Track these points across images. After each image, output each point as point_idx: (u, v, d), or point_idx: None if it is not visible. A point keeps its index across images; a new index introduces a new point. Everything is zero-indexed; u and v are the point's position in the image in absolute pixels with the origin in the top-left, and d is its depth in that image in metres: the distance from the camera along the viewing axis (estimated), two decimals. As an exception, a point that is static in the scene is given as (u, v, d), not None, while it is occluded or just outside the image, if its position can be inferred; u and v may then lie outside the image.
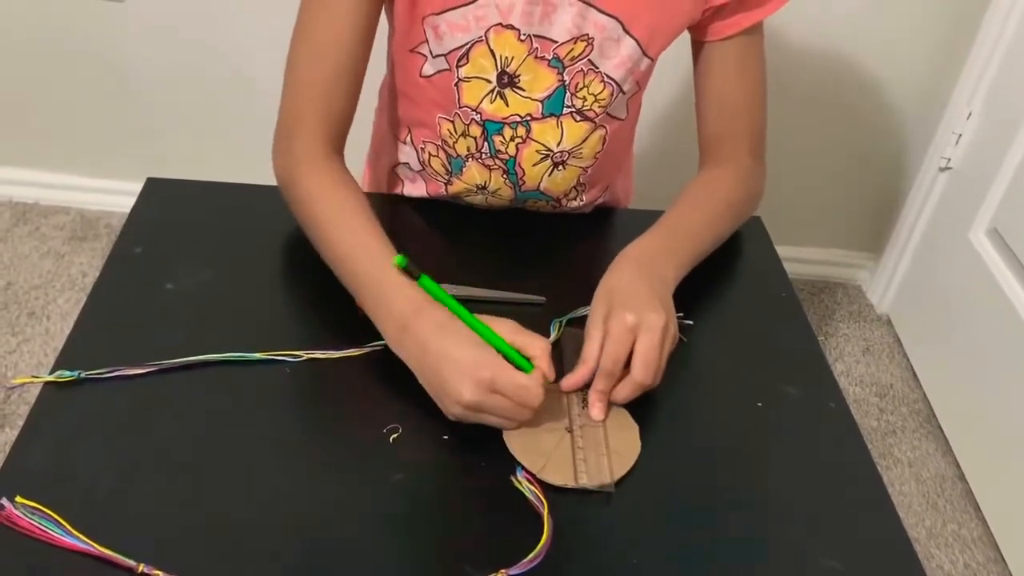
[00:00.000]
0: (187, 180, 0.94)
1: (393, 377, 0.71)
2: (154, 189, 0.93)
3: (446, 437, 0.69)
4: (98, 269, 1.52)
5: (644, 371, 0.71)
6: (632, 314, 0.72)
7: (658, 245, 0.82)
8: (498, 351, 0.68)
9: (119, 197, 1.84)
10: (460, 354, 0.67)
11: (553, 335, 0.79)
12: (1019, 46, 1.59)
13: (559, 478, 0.66)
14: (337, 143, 0.85)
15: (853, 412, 0.77)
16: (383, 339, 0.73)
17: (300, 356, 0.74)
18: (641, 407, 0.74)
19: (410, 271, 0.71)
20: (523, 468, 0.67)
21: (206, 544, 0.61)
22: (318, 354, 0.74)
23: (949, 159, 1.75)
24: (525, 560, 0.60)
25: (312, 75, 0.84)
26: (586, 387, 0.73)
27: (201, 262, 0.84)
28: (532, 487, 0.65)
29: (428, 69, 0.87)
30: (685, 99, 1.00)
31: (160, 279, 0.81)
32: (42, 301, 1.72)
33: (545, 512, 0.63)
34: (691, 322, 0.82)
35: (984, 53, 1.65)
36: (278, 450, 0.68)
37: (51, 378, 0.70)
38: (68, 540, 0.58)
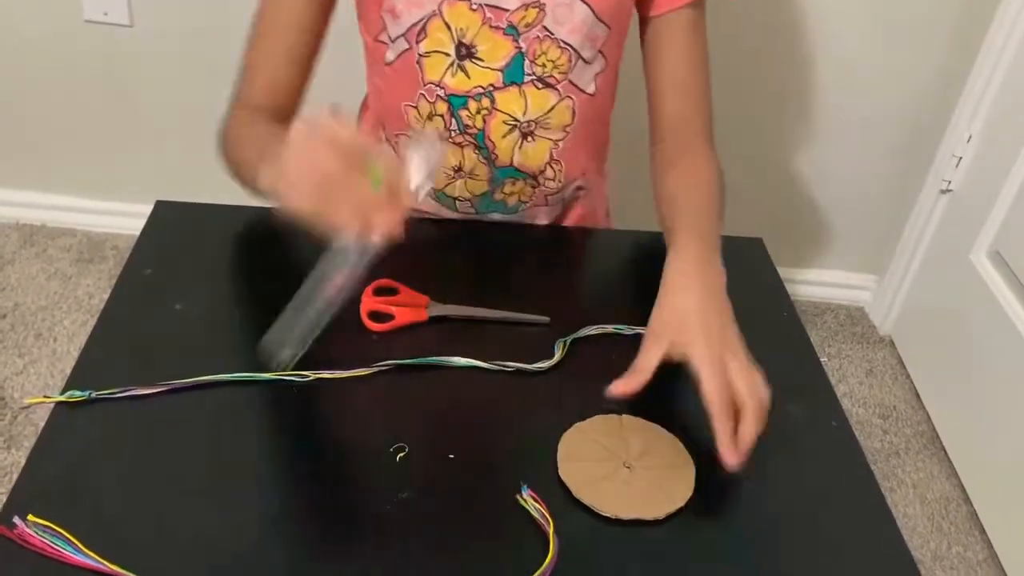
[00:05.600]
0: (196, 203, 0.95)
1: (400, 397, 0.72)
2: (163, 212, 0.94)
3: (452, 456, 0.70)
4: (105, 291, 1.54)
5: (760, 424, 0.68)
6: (747, 369, 0.69)
7: (698, 255, 0.79)
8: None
9: (125, 219, 1.86)
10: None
11: (557, 355, 0.80)
12: (1018, 69, 1.60)
13: (611, 509, 0.67)
14: (280, 118, 0.88)
15: (856, 433, 0.78)
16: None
17: (308, 376, 0.75)
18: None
19: None
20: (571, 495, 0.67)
21: (215, 561, 0.61)
22: (326, 374, 0.75)
23: (950, 182, 1.76)
24: (531, 578, 0.61)
25: (260, 53, 0.90)
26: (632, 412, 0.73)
27: (210, 283, 0.85)
28: (538, 506, 0.66)
29: (390, 55, 0.91)
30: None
31: (170, 300, 0.82)
32: (49, 323, 1.73)
33: (551, 531, 0.64)
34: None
35: (984, 76, 1.67)
36: (286, 469, 0.69)
37: (62, 398, 0.71)
38: (79, 558, 0.59)
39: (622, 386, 0.71)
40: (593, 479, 0.69)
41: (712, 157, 0.94)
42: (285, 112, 0.90)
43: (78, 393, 0.71)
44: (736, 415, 0.68)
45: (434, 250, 0.97)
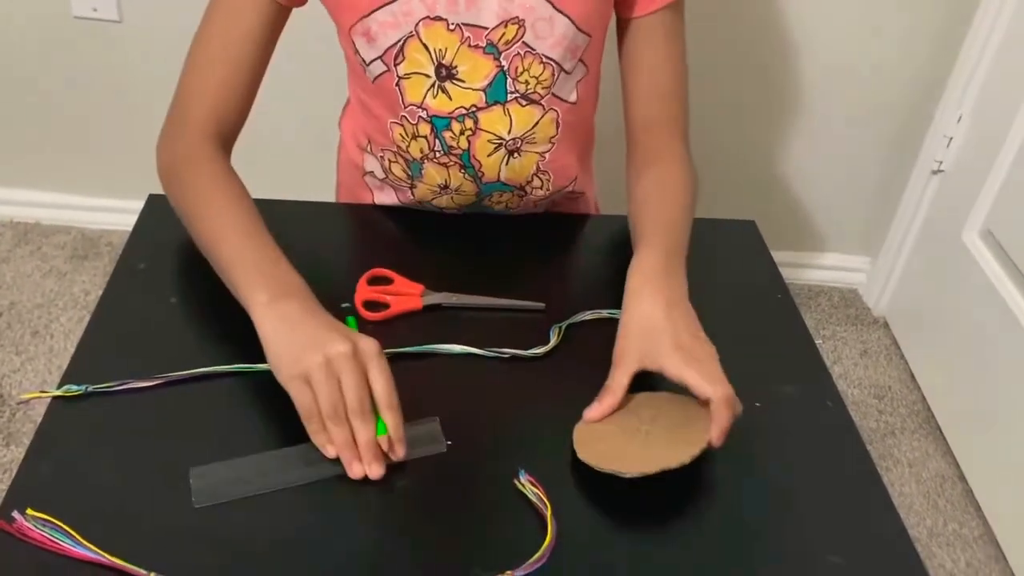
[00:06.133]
0: (189, 196, 0.95)
1: (396, 385, 0.72)
2: (156, 206, 0.94)
3: (450, 443, 0.70)
4: (100, 287, 1.53)
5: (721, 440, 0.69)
6: (723, 387, 0.70)
7: (662, 265, 0.79)
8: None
9: (120, 216, 1.86)
10: (336, 325, 0.70)
11: (553, 341, 0.80)
12: (1007, 49, 1.61)
13: (636, 469, 0.67)
14: (224, 142, 0.87)
15: (852, 413, 0.78)
16: (247, 305, 0.72)
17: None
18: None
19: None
20: (593, 469, 0.68)
21: (214, 551, 0.62)
22: (322, 364, 0.75)
23: (941, 162, 1.76)
24: (530, 561, 0.61)
25: (204, 77, 0.86)
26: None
27: (204, 276, 0.85)
28: (535, 490, 0.66)
29: (370, 75, 0.89)
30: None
31: (164, 293, 0.83)
32: (45, 320, 1.73)
33: (548, 514, 0.64)
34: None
35: (973, 56, 1.67)
36: (284, 458, 0.69)
37: (59, 393, 0.71)
38: (78, 550, 0.59)
39: (597, 410, 0.72)
40: (613, 453, 0.69)
41: (687, 162, 0.92)
42: (229, 134, 0.88)
43: (74, 387, 0.71)
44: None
45: (428, 239, 0.97)
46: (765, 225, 1.01)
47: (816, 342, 0.87)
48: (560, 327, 0.82)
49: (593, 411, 0.72)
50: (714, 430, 0.68)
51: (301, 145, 1.74)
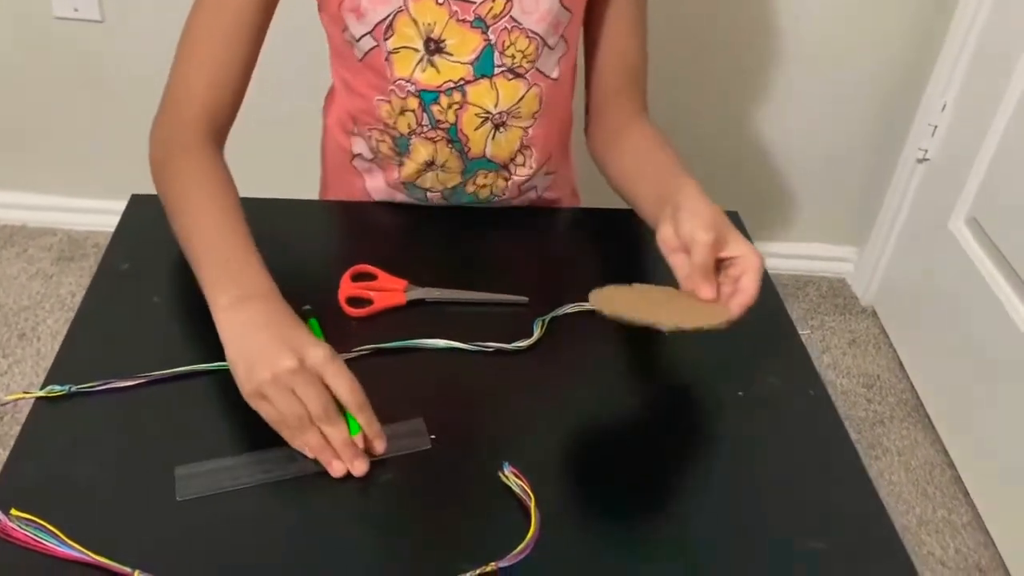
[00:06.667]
0: (171, 195, 0.95)
1: (378, 382, 0.72)
2: (139, 205, 0.94)
3: (433, 437, 0.71)
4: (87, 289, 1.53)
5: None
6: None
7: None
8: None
9: (105, 216, 1.84)
10: (289, 334, 0.68)
11: (536, 334, 0.81)
12: (990, 36, 1.61)
13: (671, 322, 0.68)
14: (216, 135, 0.87)
15: (841, 403, 0.79)
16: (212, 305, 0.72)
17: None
18: (623, 397, 0.75)
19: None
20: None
21: (198, 549, 0.62)
22: (305, 360, 0.75)
23: (926, 151, 1.77)
24: (514, 552, 0.62)
25: (194, 66, 0.86)
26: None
27: (187, 275, 0.85)
28: (519, 482, 0.66)
29: (358, 53, 0.90)
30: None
31: (147, 293, 0.82)
32: (32, 322, 1.73)
33: (532, 505, 0.65)
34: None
35: (956, 44, 1.67)
36: (269, 454, 0.69)
37: (42, 393, 0.71)
38: (63, 550, 0.59)
39: (708, 290, 0.71)
40: (643, 311, 0.69)
41: (659, 128, 0.94)
42: (221, 126, 0.87)
43: (58, 388, 0.71)
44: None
45: (411, 234, 0.97)
46: (752, 216, 1.02)
47: (804, 332, 0.88)
48: (543, 320, 0.82)
49: (705, 290, 0.71)
50: (752, 277, 0.70)
51: (276, 142, 1.73)
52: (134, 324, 0.80)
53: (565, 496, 0.68)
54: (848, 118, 1.86)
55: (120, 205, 0.94)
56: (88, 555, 0.59)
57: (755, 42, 1.76)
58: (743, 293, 0.71)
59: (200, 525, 0.63)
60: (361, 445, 0.67)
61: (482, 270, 0.89)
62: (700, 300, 0.72)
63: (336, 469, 0.67)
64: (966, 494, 1.57)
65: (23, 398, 0.72)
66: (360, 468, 0.67)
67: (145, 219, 0.93)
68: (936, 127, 1.74)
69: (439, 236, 0.96)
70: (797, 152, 1.90)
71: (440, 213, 0.99)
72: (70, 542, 0.60)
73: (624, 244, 0.96)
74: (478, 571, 0.60)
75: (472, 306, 0.84)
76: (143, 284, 0.84)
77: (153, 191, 0.95)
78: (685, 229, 0.72)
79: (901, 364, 1.84)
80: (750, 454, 0.74)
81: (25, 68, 1.79)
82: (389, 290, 0.84)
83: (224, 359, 0.70)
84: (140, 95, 1.85)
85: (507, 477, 0.67)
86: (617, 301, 0.71)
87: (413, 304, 0.83)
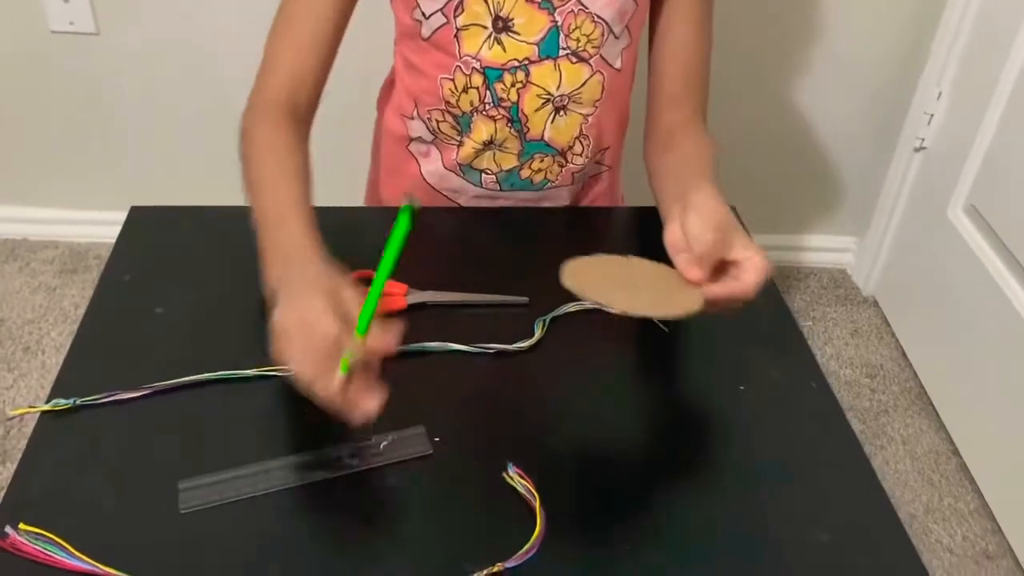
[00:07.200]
0: (170, 206, 0.96)
1: (383, 385, 0.72)
2: (139, 216, 0.95)
3: (437, 439, 0.71)
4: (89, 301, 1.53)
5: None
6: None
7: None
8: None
9: (107, 228, 1.84)
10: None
11: (537, 334, 0.81)
12: (984, 23, 1.61)
13: (620, 306, 0.66)
14: (295, 114, 0.88)
15: (844, 394, 0.79)
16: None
17: (292, 370, 0.75)
18: (625, 394, 0.75)
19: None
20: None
21: (203, 559, 0.62)
22: (308, 367, 0.75)
23: (923, 139, 1.77)
24: (520, 552, 0.62)
25: (284, 43, 0.89)
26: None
27: (189, 285, 0.86)
28: (524, 482, 0.67)
29: (426, 31, 0.92)
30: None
31: (149, 304, 0.83)
32: (36, 335, 1.74)
33: (537, 505, 0.65)
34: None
35: (950, 31, 1.67)
36: (274, 462, 0.69)
37: (47, 407, 0.71)
38: (72, 562, 0.60)
39: (697, 272, 0.69)
40: (602, 289, 0.67)
41: (710, 135, 0.96)
42: (302, 104, 0.89)
43: (63, 401, 0.71)
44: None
45: (410, 238, 0.97)
46: (752, 210, 1.02)
47: (806, 324, 0.88)
48: (544, 320, 0.82)
49: (693, 272, 0.68)
50: (753, 275, 0.68)
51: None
52: (137, 335, 0.80)
53: (570, 495, 0.68)
54: (844, 109, 1.86)
55: (121, 216, 0.95)
56: (97, 567, 0.60)
57: (749, 35, 1.76)
58: (739, 283, 0.68)
59: (205, 535, 0.64)
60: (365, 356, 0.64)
61: (482, 272, 0.90)
62: (676, 284, 0.68)
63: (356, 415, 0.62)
64: (972, 481, 1.57)
65: (29, 412, 0.72)
66: (373, 404, 0.62)
67: (146, 230, 0.93)
68: (932, 115, 1.74)
69: (437, 239, 0.96)
70: (795, 144, 1.90)
71: (437, 217, 0.99)
72: (78, 554, 0.60)
73: (625, 244, 0.96)
74: (485, 572, 0.61)
75: (473, 308, 0.85)
76: (145, 295, 0.84)
77: (152, 202, 0.96)
78: (691, 229, 0.69)
79: (904, 353, 1.84)
80: (753, 449, 0.74)
81: (23, 82, 1.79)
82: (390, 294, 0.84)
83: (229, 368, 0.70)
84: (136, 107, 1.86)
85: (512, 477, 0.67)
86: (581, 275, 0.68)
87: (414, 308, 0.84)
